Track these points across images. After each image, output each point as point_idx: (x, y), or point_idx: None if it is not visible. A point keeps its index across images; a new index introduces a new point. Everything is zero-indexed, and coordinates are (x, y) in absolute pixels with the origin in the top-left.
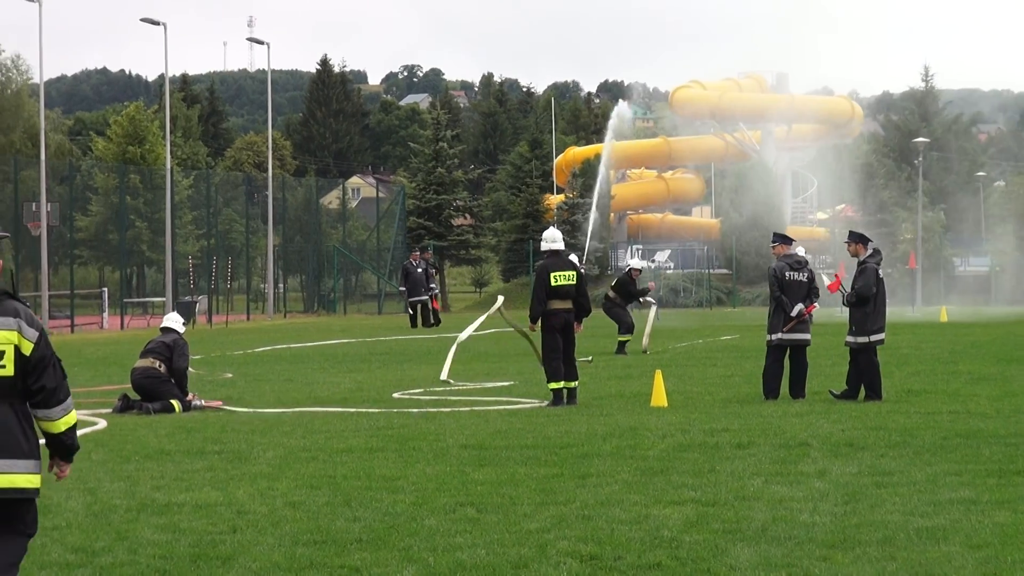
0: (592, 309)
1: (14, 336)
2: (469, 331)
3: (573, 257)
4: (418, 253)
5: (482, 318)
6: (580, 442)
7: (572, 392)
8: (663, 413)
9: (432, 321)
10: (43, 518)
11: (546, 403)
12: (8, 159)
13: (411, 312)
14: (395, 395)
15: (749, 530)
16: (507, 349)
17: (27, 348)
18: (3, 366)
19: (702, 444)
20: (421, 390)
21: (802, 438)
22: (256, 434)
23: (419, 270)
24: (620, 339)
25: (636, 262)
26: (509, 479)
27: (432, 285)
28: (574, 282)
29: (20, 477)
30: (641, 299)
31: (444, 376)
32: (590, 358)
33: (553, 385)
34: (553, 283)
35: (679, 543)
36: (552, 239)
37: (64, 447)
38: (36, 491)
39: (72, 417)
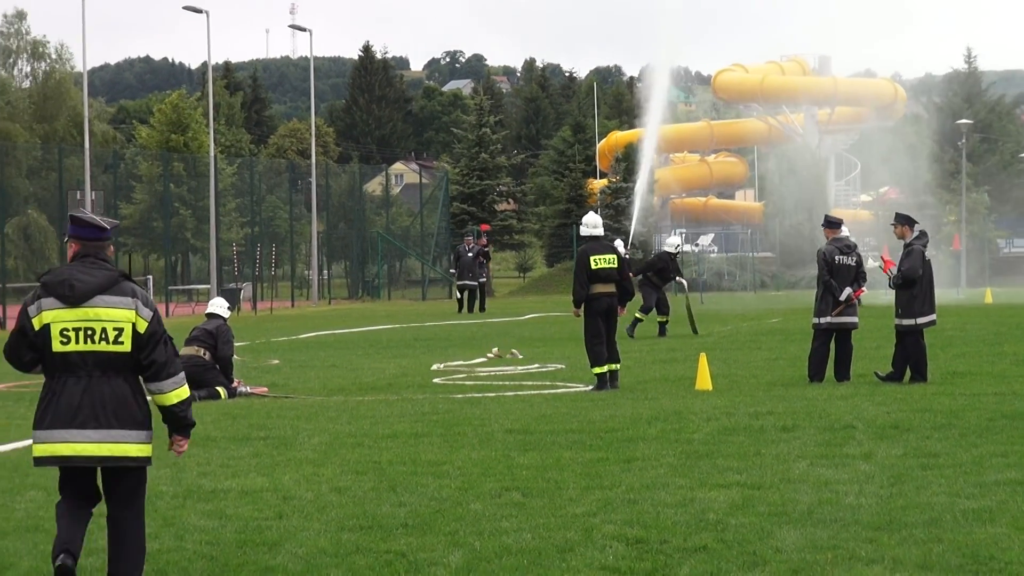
0: (635, 292)
1: (131, 315)
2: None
3: (619, 243)
4: (471, 238)
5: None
6: (625, 426)
7: (614, 374)
8: (708, 396)
9: (479, 307)
10: None
11: (590, 387)
12: (53, 147)
13: (459, 296)
14: (436, 380)
15: (795, 513)
16: (551, 333)
17: (142, 326)
18: (121, 342)
19: (747, 427)
20: (464, 375)
21: (847, 420)
22: (302, 420)
23: (470, 255)
24: (636, 315)
25: (673, 240)
26: (554, 463)
27: (482, 276)
28: (615, 265)
29: (132, 447)
30: (676, 279)
31: (438, 366)
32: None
33: (597, 370)
34: (593, 266)
35: (725, 526)
36: (592, 224)
37: (177, 420)
38: (147, 459)
39: (183, 392)
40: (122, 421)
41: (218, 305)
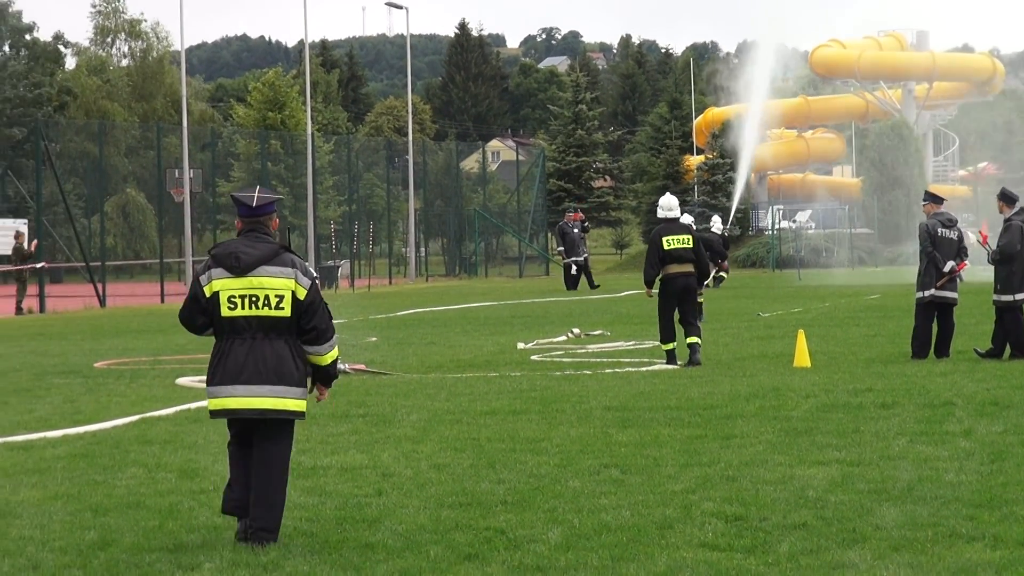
0: (710, 273)
1: (291, 283)
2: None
3: (716, 219)
4: (572, 214)
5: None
6: (723, 403)
7: (694, 347)
8: (806, 373)
9: (593, 283)
10: (190, 482)
11: (682, 364)
12: (151, 126)
13: (572, 273)
14: (533, 358)
15: (895, 490)
16: (648, 311)
17: (301, 294)
18: (282, 308)
19: (846, 404)
20: (562, 352)
21: (947, 397)
22: (400, 397)
23: (575, 231)
24: None
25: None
26: (653, 440)
27: (585, 251)
28: (690, 245)
29: (291, 401)
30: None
31: (523, 346)
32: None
33: (666, 347)
34: (666, 246)
35: (824, 503)
36: (667, 207)
37: (327, 376)
38: (302, 413)
39: (336, 352)
40: (282, 378)
41: None
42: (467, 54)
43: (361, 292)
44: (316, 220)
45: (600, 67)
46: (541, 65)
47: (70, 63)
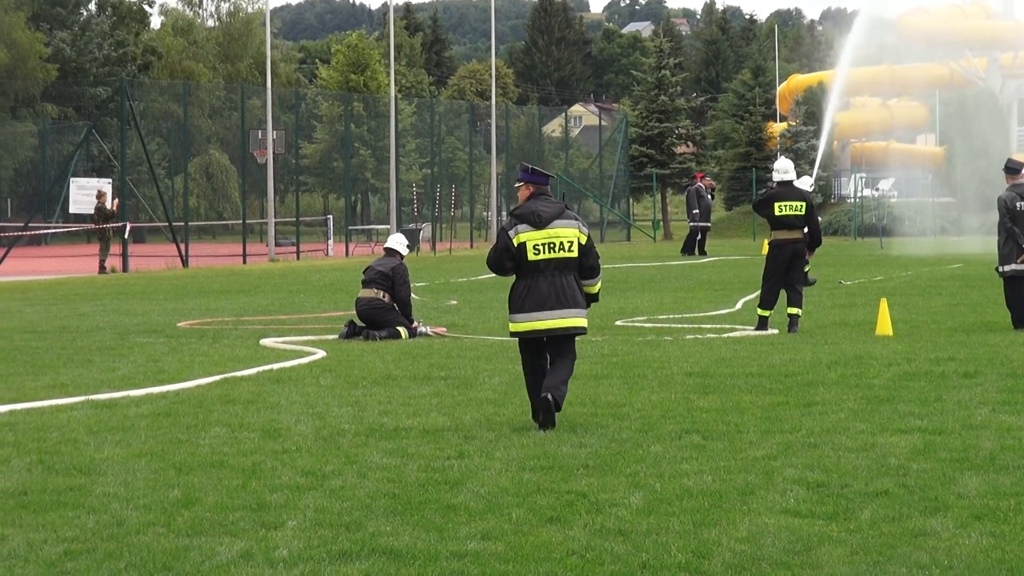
0: (822, 241)
1: (576, 232)
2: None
3: (806, 179)
4: (707, 180)
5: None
6: (805, 370)
7: (794, 319)
8: (888, 342)
9: (704, 251)
10: (273, 442)
11: (754, 329)
12: (236, 87)
13: (699, 237)
14: (617, 323)
15: (977, 459)
16: (730, 277)
17: (583, 239)
18: (572, 251)
19: (928, 373)
20: (644, 318)
21: None
22: (482, 360)
23: (708, 196)
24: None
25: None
26: (734, 407)
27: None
28: (802, 212)
29: (583, 320)
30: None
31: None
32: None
33: (761, 312)
34: (777, 212)
35: (906, 471)
36: (783, 169)
37: (594, 299)
38: (586, 329)
39: (600, 283)
40: (576, 303)
41: (397, 241)
42: (550, 18)
43: (442, 255)
44: (398, 183)
45: (683, 33)
46: (624, 30)
47: (155, 23)
